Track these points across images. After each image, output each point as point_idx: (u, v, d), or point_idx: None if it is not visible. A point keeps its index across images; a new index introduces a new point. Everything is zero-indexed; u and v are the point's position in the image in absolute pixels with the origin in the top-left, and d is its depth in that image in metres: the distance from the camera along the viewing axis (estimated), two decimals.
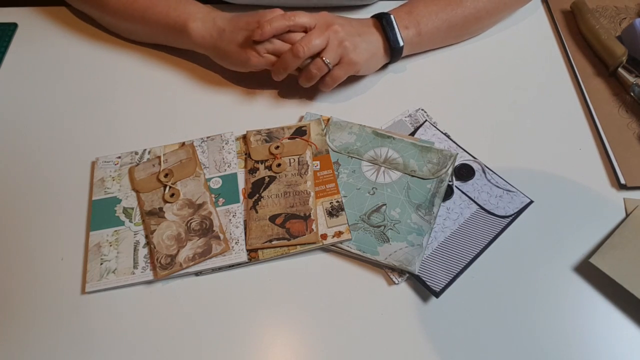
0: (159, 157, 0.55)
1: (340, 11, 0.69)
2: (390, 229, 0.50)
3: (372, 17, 0.61)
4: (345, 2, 0.69)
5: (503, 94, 0.63)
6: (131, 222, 0.52)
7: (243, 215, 0.52)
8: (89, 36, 0.67)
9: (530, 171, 0.57)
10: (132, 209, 0.52)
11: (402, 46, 0.59)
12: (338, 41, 0.56)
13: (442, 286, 0.48)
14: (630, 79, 0.61)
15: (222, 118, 0.60)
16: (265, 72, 0.60)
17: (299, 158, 0.55)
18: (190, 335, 0.47)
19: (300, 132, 0.57)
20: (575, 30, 0.69)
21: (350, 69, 0.57)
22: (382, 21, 0.59)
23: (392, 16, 0.59)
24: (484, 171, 0.55)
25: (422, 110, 0.61)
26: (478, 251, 0.50)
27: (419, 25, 0.61)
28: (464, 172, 0.55)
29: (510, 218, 0.52)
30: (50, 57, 0.65)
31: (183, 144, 0.56)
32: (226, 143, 0.56)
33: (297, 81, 0.59)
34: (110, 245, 0.50)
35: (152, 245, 0.50)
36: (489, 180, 0.55)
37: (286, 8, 0.68)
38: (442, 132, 0.58)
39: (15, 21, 0.68)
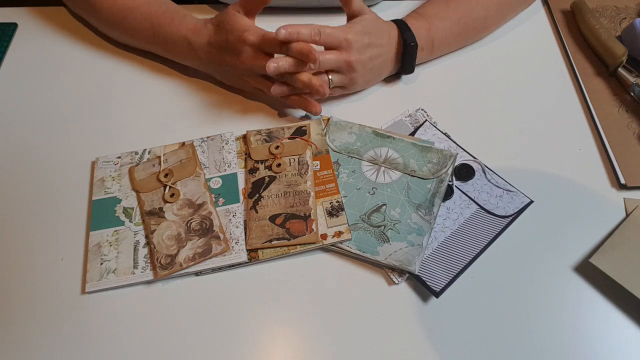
0: (159, 157, 0.55)
1: (342, 12, 0.69)
2: (390, 229, 0.50)
3: (400, 35, 0.58)
4: None
5: (503, 93, 0.63)
6: (131, 222, 0.52)
7: (243, 215, 0.52)
8: (89, 36, 0.67)
9: (530, 171, 0.57)
10: (132, 209, 0.52)
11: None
12: (350, 78, 0.57)
13: (442, 286, 0.48)
14: (630, 79, 0.61)
15: (222, 118, 0.60)
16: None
17: (299, 158, 0.55)
18: (190, 336, 0.47)
19: (300, 132, 0.57)
20: (575, 30, 0.69)
21: (346, 92, 0.60)
22: (407, 49, 0.58)
23: (417, 46, 0.58)
24: (484, 171, 0.55)
25: (422, 110, 0.61)
26: (478, 251, 0.50)
27: (433, 46, 0.62)
28: (464, 172, 0.55)
29: (510, 218, 0.52)
30: (50, 57, 0.65)
31: (183, 144, 0.56)
32: (226, 143, 0.56)
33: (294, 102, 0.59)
34: (110, 245, 0.50)
35: (152, 245, 0.50)
36: (489, 180, 0.55)
37: (286, 8, 0.69)
38: (442, 132, 0.58)
39: (15, 21, 0.68)
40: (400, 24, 0.59)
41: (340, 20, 0.68)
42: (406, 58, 0.60)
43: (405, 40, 0.58)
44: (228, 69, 0.58)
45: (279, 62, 0.52)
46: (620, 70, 0.62)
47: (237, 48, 0.55)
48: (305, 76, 0.54)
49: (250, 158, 0.55)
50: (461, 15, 0.61)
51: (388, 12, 0.70)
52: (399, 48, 0.59)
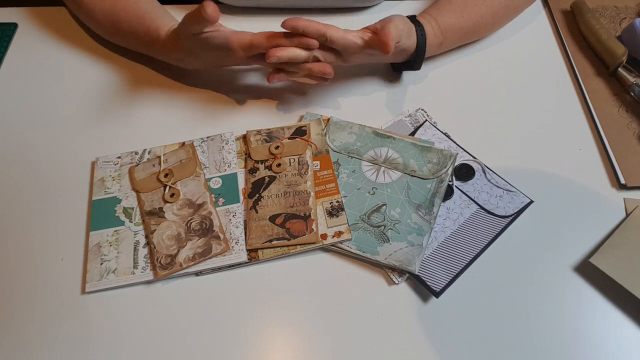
0: (159, 157, 0.55)
1: (343, 13, 0.69)
2: (390, 229, 0.50)
3: (414, 54, 0.58)
4: (347, 4, 0.68)
5: (503, 93, 0.63)
6: (131, 222, 0.52)
7: (243, 215, 0.52)
8: (88, 36, 0.67)
9: (530, 171, 0.57)
10: (132, 209, 0.52)
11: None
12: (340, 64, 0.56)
13: (442, 286, 0.48)
14: (630, 79, 0.61)
15: (222, 118, 0.60)
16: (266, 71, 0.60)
17: (299, 158, 0.55)
18: (190, 336, 0.47)
19: (300, 132, 0.57)
20: (575, 30, 0.69)
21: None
22: (407, 66, 0.60)
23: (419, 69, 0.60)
24: (484, 171, 0.55)
25: (422, 110, 0.61)
26: (478, 251, 0.50)
27: (440, 49, 0.62)
28: (464, 172, 0.55)
29: (510, 218, 0.52)
30: (50, 57, 0.65)
31: (183, 144, 0.56)
32: (226, 143, 0.56)
33: (297, 80, 0.59)
34: (110, 245, 0.50)
35: (152, 245, 0.50)
36: (489, 180, 0.55)
37: (286, 10, 0.69)
38: (442, 132, 0.58)
39: (15, 21, 0.68)
40: (420, 42, 0.57)
41: (343, 21, 0.68)
42: (402, 68, 0.62)
43: (414, 63, 0.59)
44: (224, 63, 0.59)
45: (279, 54, 0.51)
46: (620, 70, 0.62)
47: (233, 62, 0.56)
48: (306, 66, 0.54)
49: (250, 158, 0.55)
50: (472, 25, 0.61)
51: (389, 13, 0.70)
52: (406, 59, 0.60)
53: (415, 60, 0.59)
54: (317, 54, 0.53)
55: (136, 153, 0.56)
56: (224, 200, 0.53)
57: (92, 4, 0.60)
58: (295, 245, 0.50)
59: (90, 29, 0.65)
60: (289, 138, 0.56)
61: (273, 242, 0.50)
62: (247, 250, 0.50)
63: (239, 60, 0.54)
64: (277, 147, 0.55)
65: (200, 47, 0.53)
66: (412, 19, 0.58)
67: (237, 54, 0.53)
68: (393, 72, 0.64)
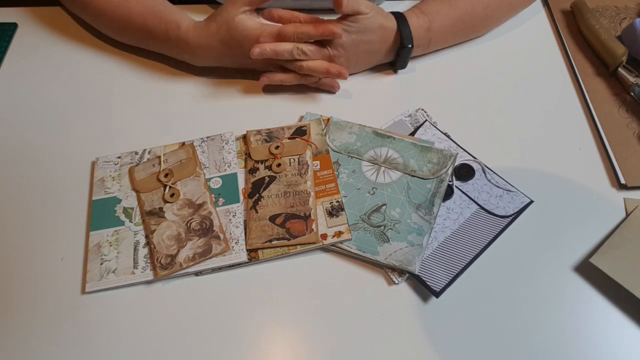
0: (159, 157, 0.55)
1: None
2: (390, 228, 0.50)
3: (398, 33, 0.59)
4: None
5: (503, 93, 0.63)
6: (131, 222, 0.52)
7: (243, 215, 0.52)
8: (89, 36, 0.67)
9: (530, 171, 0.57)
10: (132, 209, 0.52)
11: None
12: (335, 60, 0.58)
13: (442, 286, 0.48)
14: (630, 79, 0.61)
15: (222, 118, 0.60)
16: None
17: (299, 158, 0.55)
18: (190, 336, 0.47)
19: (300, 132, 0.57)
20: (575, 30, 0.69)
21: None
22: (402, 49, 0.59)
23: (412, 48, 0.59)
24: (484, 171, 0.55)
25: (422, 110, 0.61)
26: (478, 251, 0.50)
27: (429, 44, 0.62)
28: (464, 172, 0.55)
29: (510, 218, 0.52)
30: (50, 57, 0.65)
31: (183, 144, 0.56)
32: (226, 143, 0.56)
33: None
34: (110, 245, 0.50)
35: (152, 245, 0.50)
36: (489, 180, 0.55)
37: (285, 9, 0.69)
38: (442, 132, 0.58)
39: (15, 21, 0.68)
40: (401, 21, 0.59)
41: None
42: (400, 57, 0.61)
43: (402, 41, 0.59)
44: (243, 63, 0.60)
45: (262, 48, 0.55)
46: (620, 70, 0.62)
47: (249, 63, 0.59)
48: (323, 64, 0.57)
49: (250, 158, 0.55)
50: (462, 14, 0.61)
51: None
52: (395, 45, 0.60)
53: (402, 37, 0.59)
54: (303, 47, 0.56)
55: (136, 153, 0.56)
56: (224, 200, 0.53)
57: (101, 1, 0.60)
58: (295, 245, 0.50)
59: (96, 28, 0.65)
60: (289, 138, 0.56)
61: (273, 242, 0.50)
62: (247, 250, 0.50)
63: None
64: (277, 147, 0.55)
65: (233, 27, 0.56)
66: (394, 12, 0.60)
67: (266, 42, 0.56)
68: (393, 72, 0.64)
